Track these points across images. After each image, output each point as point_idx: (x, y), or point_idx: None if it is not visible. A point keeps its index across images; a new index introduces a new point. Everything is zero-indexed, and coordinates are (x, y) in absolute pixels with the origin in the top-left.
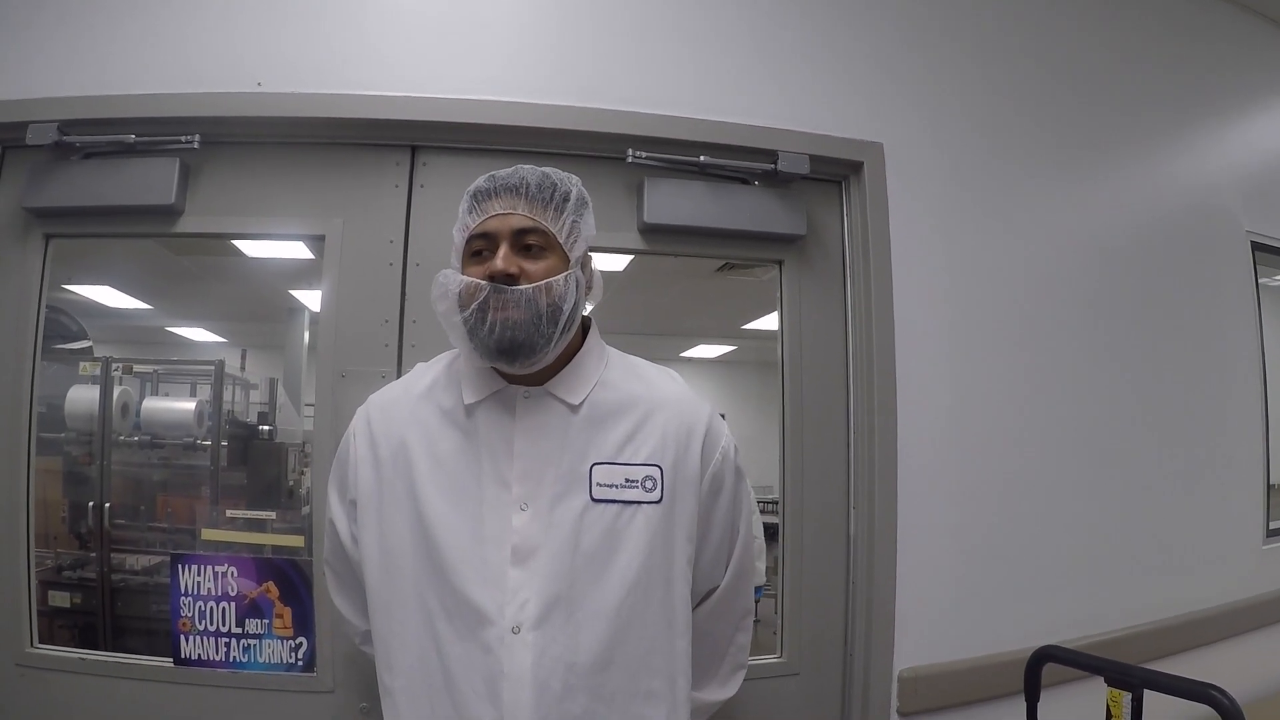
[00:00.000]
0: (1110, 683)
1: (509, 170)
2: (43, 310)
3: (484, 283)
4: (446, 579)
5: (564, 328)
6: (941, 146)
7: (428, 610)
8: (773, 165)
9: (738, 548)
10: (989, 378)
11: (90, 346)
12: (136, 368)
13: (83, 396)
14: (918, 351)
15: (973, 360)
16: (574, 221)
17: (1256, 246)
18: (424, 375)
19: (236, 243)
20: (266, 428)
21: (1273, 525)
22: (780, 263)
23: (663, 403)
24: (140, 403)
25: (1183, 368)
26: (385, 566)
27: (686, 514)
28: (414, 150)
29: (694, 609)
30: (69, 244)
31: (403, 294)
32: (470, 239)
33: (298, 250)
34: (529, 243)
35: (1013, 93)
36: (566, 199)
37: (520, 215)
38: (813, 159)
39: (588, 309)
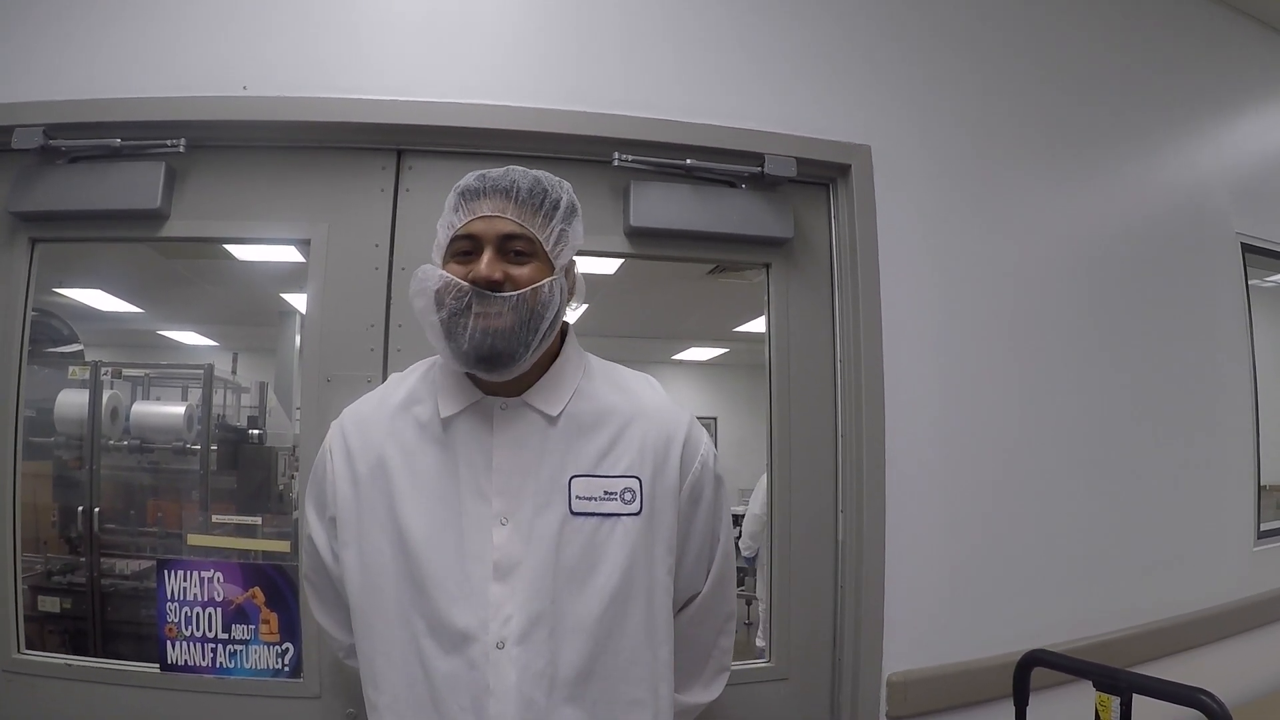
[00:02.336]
0: (1099, 687)
1: (500, 171)
2: (29, 314)
3: (466, 284)
4: (429, 596)
5: (544, 335)
6: (930, 148)
7: (411, 627)
8: (759, 168)
9: (718, 554)
10: (977, 380)
11: (81, 350)
12: (127, 371)
13: (72, 400)
14: (906, 354)
15: (961, 362)
16: (562, 229)
17: (1246, 248)
18: (399, 387)
19: (227, 246)
20: (256, 431)
21: (1263, 527)
22: (768, 265)
23: (641, 412)
24: (130, 407)
25: (1173, 369)
26: (366, 584)
27: (666, 524)
28: (399, 154)
29: (676, 615)
30: (59, 248)
31: (388, 298)
32: (454, 238)
33: (289, 254)
34: (515, 248)
35: (1001, 94)
36: (556, 206)
37: (508, 220)
38: (800, 161)
39: (569, 315)
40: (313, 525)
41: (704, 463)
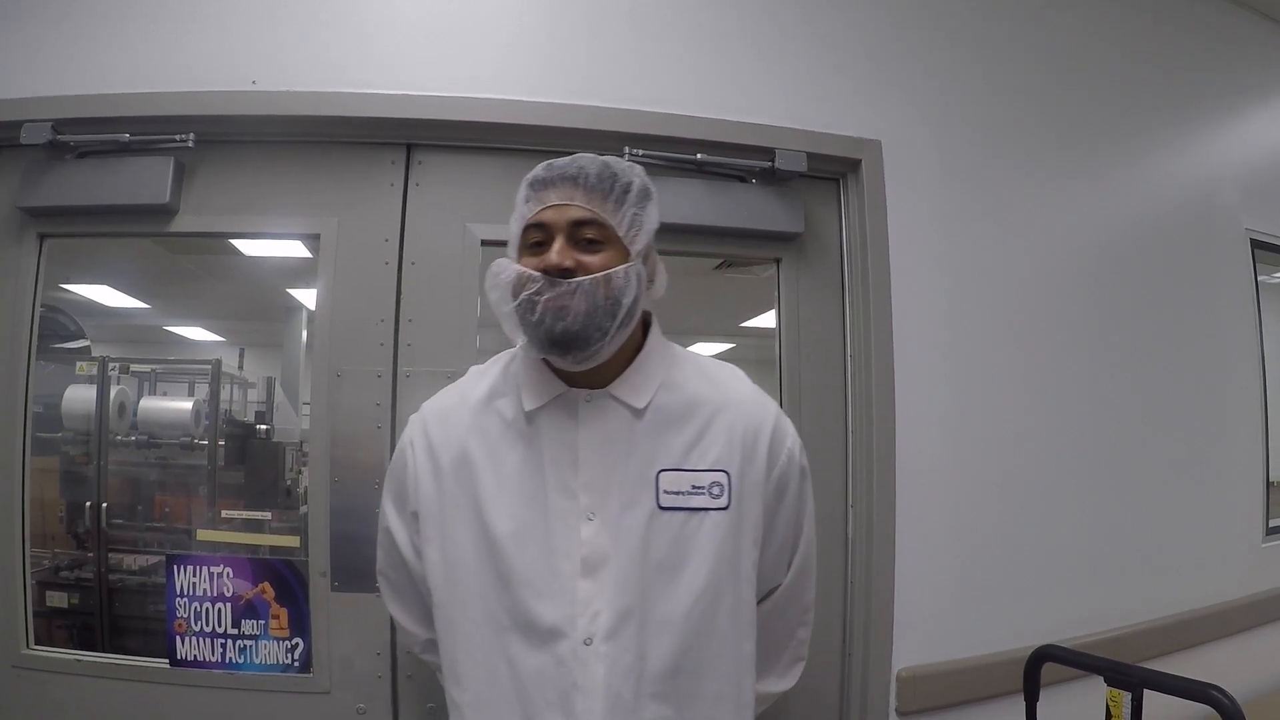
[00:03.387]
0: (1110, 682)
1: (567, 159)
2: (37, 310)
3: (537, 273)
4: (516, 592)
5: (622, 322)
6: (940, 144)
7: (496, 623)
8: (770, 163)
9: (800, 546)
10: (987, 376)
11: (88, 346)
12: (134, 367)
13: (80, 396)
14: (916, 349)
15: (971, 358)
16: (635, 214)
17: (1256, 244)
18: (479, 381)
19: (234, 242)
20: (264, 427)
21: (1272, 523)
22: (778, 260)
23: (728, 404)
24: (137, 402)
25: (1182, 365)
26: (449, 580)
27: (753, 518)
28: (409, 148)
29: (758, 605)
30: (66, 243)
31: (398, 293)
32: (527, 229)
33: (296, 249)
34: (586, 236)
35: (1012, 90)
36: (627, 190)
37: (577, 207)
38: (810, 156)
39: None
40: (391, 520)
41: (790, 455)
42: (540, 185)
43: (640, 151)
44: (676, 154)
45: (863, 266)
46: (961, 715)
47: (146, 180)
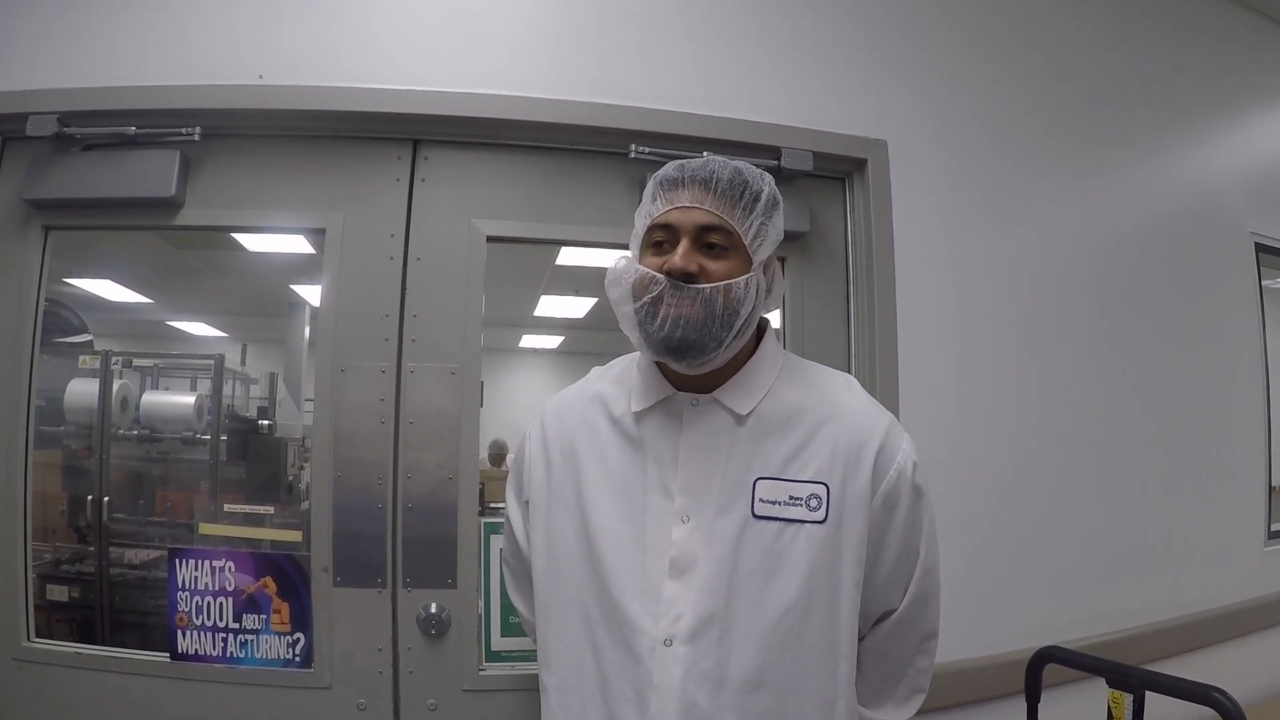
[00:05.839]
0: (1111, 684)
1: (700, 161)
2: (41, 302)
3: (660, 276)
4: (605, 585)
5: (738, 332)
6: (946, 144)
7: (587, 614)
8: (776, 162)
9: (917, 570)
10: (991, 376)
11: (90, 340)
12: (136, 361)
13: (82, 390)
14: (920, 350)
15: (975, 358)
16: (762, 223)
17: (1260, 248)
18: (599, 379)
19: (238, 237)
20: (266, 422)
21: (1274, 527)
22: (783, 260)
23: (834, 415)
24: (140, 397)
25: (1185, 368)
26: (550, 568)
27: (855, 535)
28: (415, 144)
29: (870, 630)
30: (70, 237)
31: (403, 288)
32: (651, 228)
33: (299, 245)
34: (712, 241)
35: (1018, 91)
36: (757, 199)
37: (706, 211)
38: (816, 155)
39: (767, 314)
40: (511, 509)
41: (900, 471)
42: (670, 185)
43: (646, 149)
44: (682, 152)
45: (868, 266)
46: (963, 716)
47: (152, 173)
